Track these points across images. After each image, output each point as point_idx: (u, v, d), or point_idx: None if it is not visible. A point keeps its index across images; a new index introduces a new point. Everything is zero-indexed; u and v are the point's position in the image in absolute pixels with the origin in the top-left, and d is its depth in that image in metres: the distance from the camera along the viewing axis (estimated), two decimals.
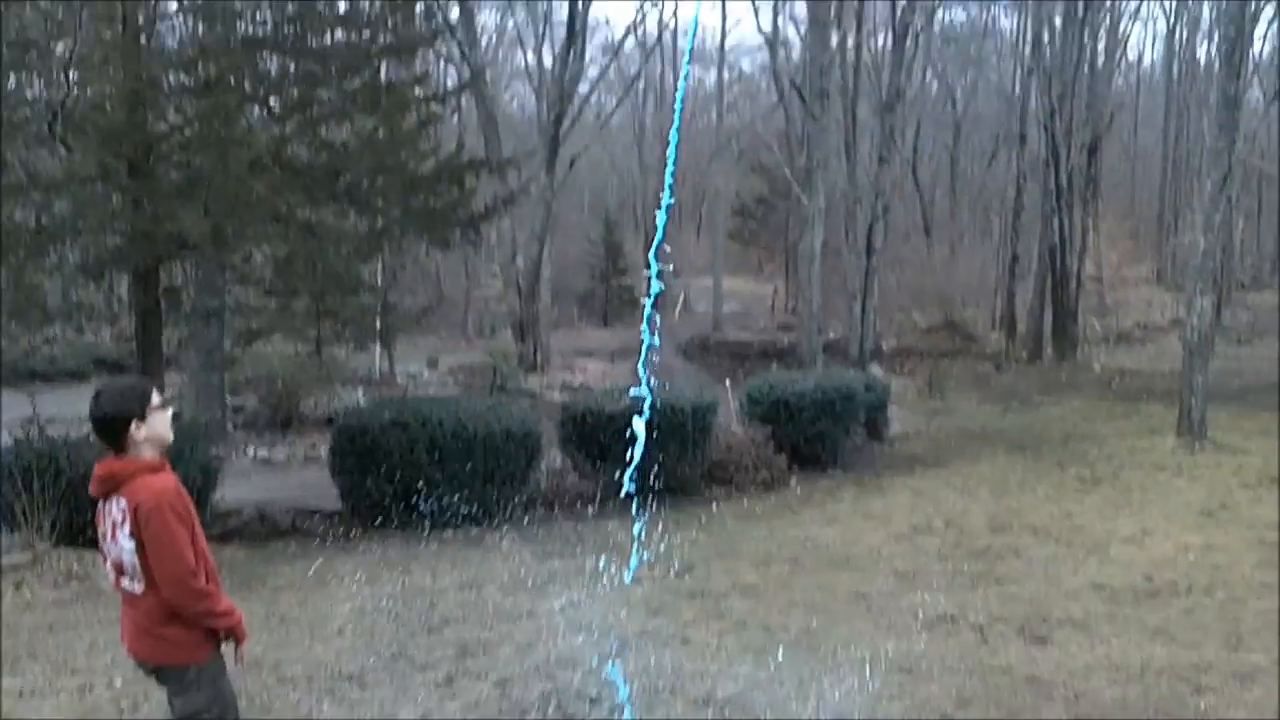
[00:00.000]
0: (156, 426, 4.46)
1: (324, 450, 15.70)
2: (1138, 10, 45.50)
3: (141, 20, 14.52)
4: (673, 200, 6.44)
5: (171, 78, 14.78)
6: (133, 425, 4.39)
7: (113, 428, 4.40)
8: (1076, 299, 36.60)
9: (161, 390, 5.81)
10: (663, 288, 6.12)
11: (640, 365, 5.80)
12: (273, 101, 14.82)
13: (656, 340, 5.83)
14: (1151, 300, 45.64)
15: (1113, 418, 22.81)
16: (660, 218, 6.21)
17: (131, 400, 4.43)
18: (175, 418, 4.69)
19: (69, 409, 15.50)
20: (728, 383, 20.96)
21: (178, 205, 13.06)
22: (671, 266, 53.79)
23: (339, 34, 15.51)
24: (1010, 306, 39.60)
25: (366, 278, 20.35)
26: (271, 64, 15.51)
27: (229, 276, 17.13)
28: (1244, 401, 24.16)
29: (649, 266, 6.45)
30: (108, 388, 4.54)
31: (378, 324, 20.98)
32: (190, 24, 16.14)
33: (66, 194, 13.46)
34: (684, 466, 14.74)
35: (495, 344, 33.55)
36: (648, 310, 5.81)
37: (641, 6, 37.96)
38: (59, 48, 13.95)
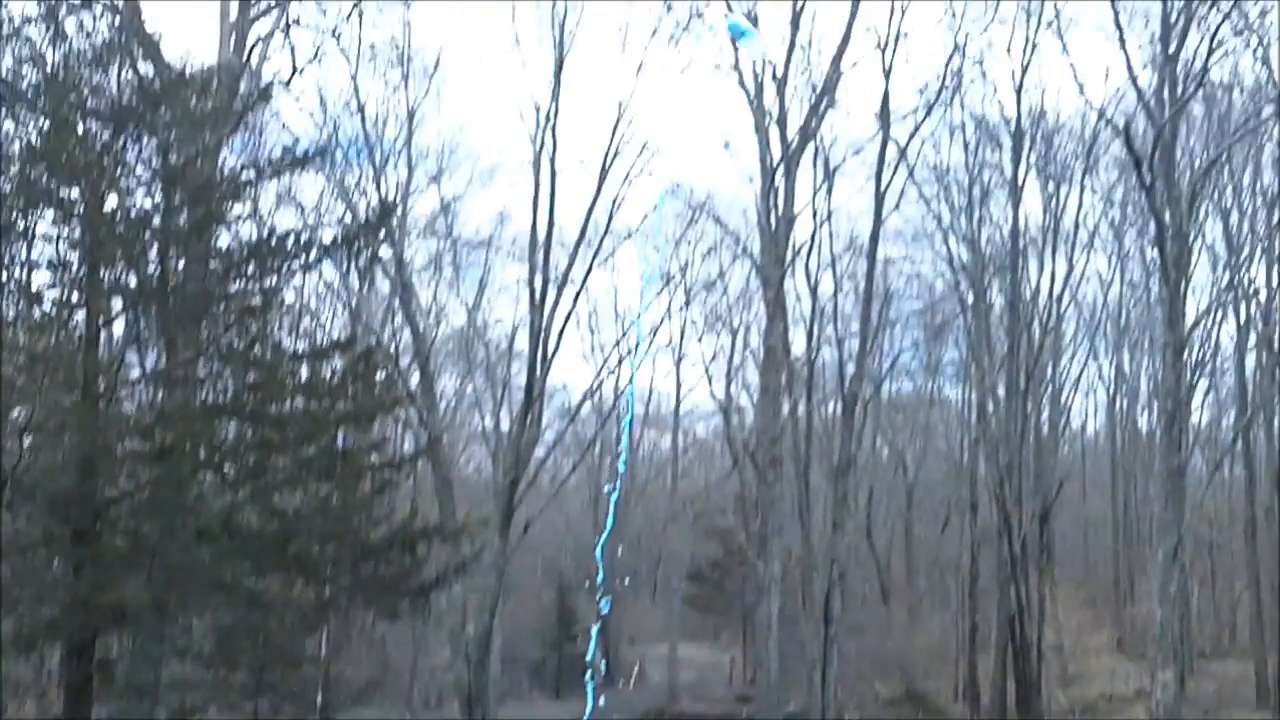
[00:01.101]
0: None
1: None
2: (1078, 380, 47.20)
3: (103, 387, 14.59)
4: (611, 536, 6.29)
5: (127, 443, 14.72)
6: None
7: None
8: (1039, 669, 35.93)
9: None
10: (596, 655, 5.83)
11: None
12: (227, 468, 14.73)
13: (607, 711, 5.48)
14: (1115, 670, 44.87)
15: None
16: (598, 554, 6.00)
17: None
18: None
19: None
20: None
21: (121, 573, 12.68)
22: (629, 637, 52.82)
23: (299, 400, 15.65)
24: (973, 677, 38.79)
25: (310, 649, 19.66)
26: (228, 430, 15.53)
27: (167, 648, 16.47)
28: None
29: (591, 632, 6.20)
30: None
31: (319, 698, 20.09)
32: (151, 390, 16.23)
33: (5, 563, 13.07)
34: None
35: (442, 716, 32.15)
36: (589, 684, 5.51)
37: (599, 373, 38.84)
38: (16, 414, 13.92)
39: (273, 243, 15.48)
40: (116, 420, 14.55)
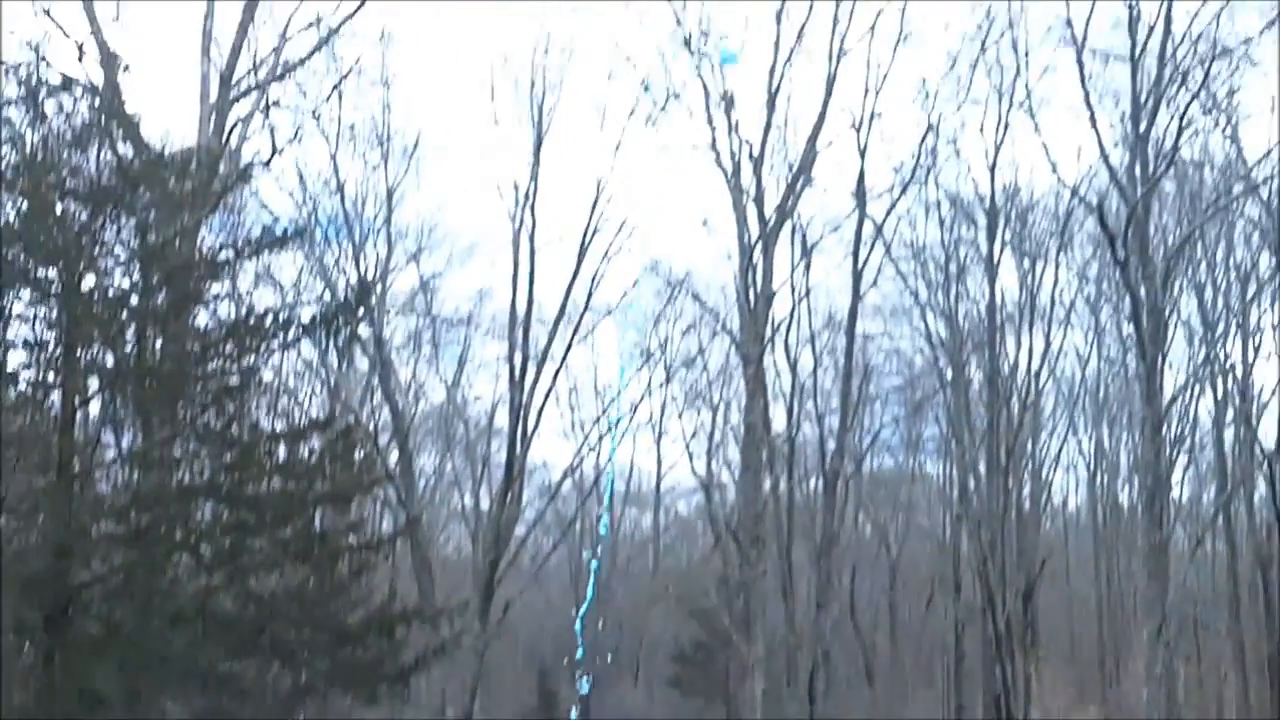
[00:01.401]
0: None
1: None
2: (1059, 456, 47.16)
3: (78, 468, 14.42)
4: (592, 611, 6.15)
5: (101, 526, 14.51)
6: None
7: None
8: None
9: None
10: None
11: None
12: (203, 550, 14.52)
13: None
14: None
15: None
16: (577, 626, 5.87)
17: None
18: None
19: None
20: None
21: (93, 659, 12.43)
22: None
23: (276, 481, 15.47)
24: None
25: None
26: (204, 512, 15.34)
27: None
28: None
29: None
30: None
31: None
32: (126, 471, 16.03)
33: None
34: None
35: None
36: None
37: (579, 450, 38.74)
38: None
39: (251, 322, 15.40)
40: (91, 502, 14.34)
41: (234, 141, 23.25)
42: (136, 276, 15.36)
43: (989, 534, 35.01)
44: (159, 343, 15.05)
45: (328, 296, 28.61)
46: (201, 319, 16.24)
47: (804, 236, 33.18)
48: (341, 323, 17.54)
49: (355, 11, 23.82)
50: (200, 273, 15.42)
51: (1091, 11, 26.00)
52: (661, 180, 32.20)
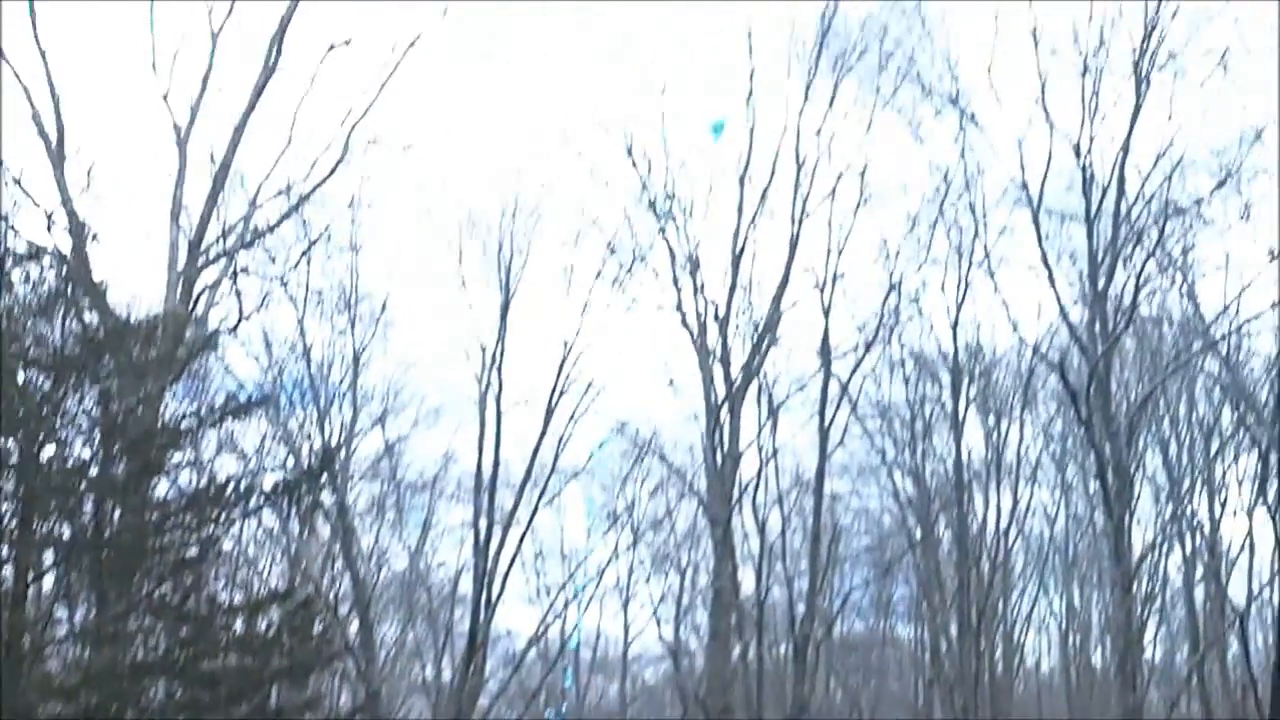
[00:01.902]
0: None
1: None
2: (1030, 616, 46.63)
3: (27, 645, 13.92)
4: None
5: (48, 706, 13.94)
6: None
7: None
8: None
9: None
10: None
11: None
12: None
13: None
14: None
15: None
16: None
17: None
18: None
19: None
20: None
21: None
22: None
23: (232, 656, 14.99)
24: None
25: None
26: (158, 689, 14.80)
27: None
28: None
29: None
30: None
31: None
32: (78, 648, 15.51)
33: None
34: None
35: None
36: None
37: (545, 617, 38.02)
38: None
39: (212, 492, 15.13)
40: (40, 682, 13.79)
41: (200, 308, 23.20)
42: (97, 446, 15.08)
43: (962, 699, 34.33)
44: (118, 514, 14.70)
45: (292, 463, 28.29)
46: (162, 488, 15.95)
47: (770, 396, 33.25)
48: (304, 491, 17.27)
49: (326, 179, 24.04)
50: (162, 442, 15.18)
51: (1046, 174, 26.66)
52: (628, 341, 32.42)
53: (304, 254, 27.55)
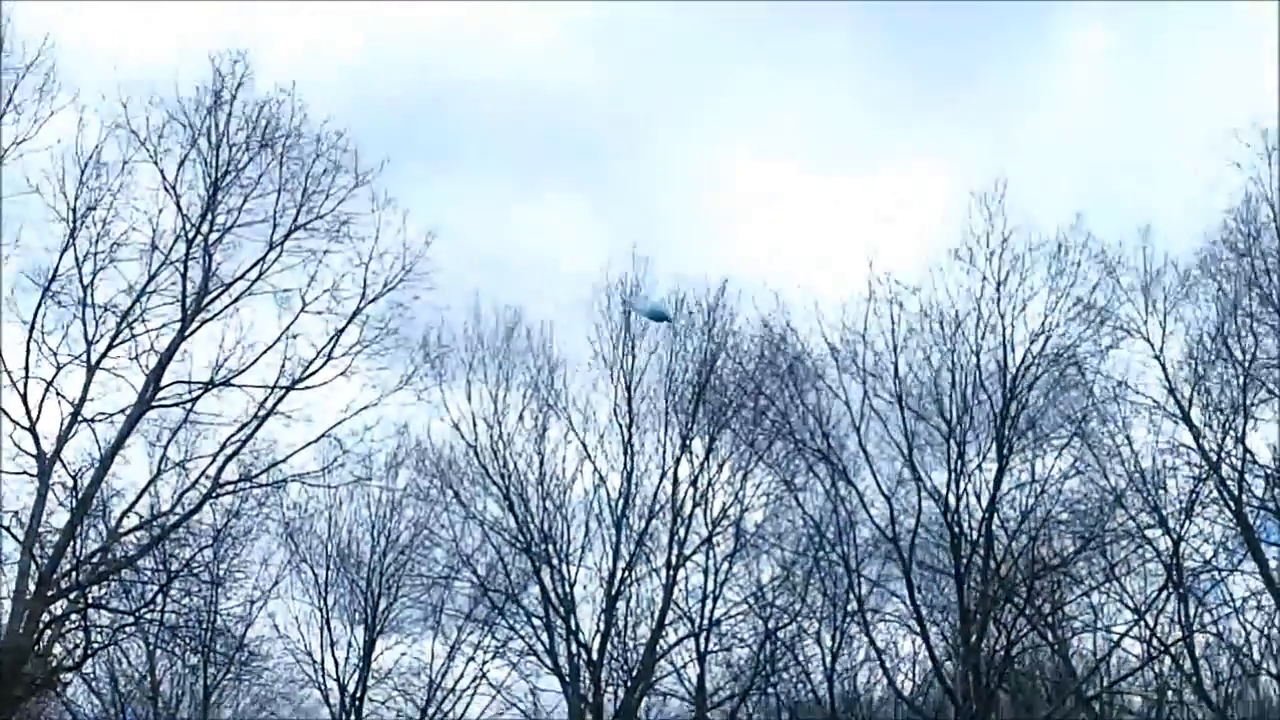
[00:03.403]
0: None
1: None
2: None
3: None
4: None
5: None
6: None
7: None
8: None
9: None
10: None
11: None
12: None
13: None
14: None
15: None
16: None
17: None
18: None
19: None
20: None
21: None
22: None
23: None
24: None
25: None
26: None
27: None
28: None
29: None
30: None
31: None
32: None
33: None
34: None
35: None
36: None
37: None
38: None
39: None
40: None
41: (44, 641, 21.91)
42: None
43: None
44: None
45: None
46: None
47: None
48: None
49: (191, 514, 23.29)
50: None
51: (915, 530, 27.22)
52: (498, 681, 31.65)
53: (161, 588, 26.32)
